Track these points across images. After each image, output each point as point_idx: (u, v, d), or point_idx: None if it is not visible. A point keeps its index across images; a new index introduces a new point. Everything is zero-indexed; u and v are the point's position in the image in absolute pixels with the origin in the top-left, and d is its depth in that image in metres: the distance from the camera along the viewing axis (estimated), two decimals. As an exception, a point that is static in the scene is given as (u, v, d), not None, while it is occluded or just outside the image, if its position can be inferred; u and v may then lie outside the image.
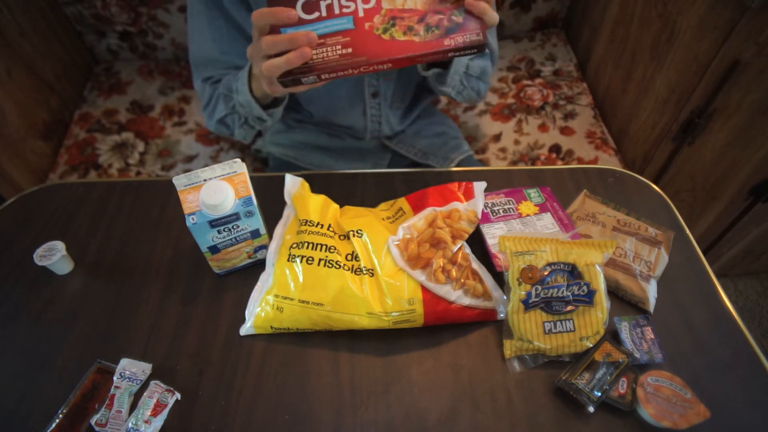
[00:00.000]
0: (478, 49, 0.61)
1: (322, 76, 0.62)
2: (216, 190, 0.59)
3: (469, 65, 0.79)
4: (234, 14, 0.77)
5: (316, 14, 0.61)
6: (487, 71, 0.85)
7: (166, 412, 0.57)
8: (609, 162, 1.22)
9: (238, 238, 0.64)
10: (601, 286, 0.62)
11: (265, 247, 0.68)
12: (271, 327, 0.63)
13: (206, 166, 0.69)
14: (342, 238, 0.66)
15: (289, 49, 0.59)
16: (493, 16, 0.63)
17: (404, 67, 0.63)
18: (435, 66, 0.76)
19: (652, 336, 0.62)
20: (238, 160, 0.63)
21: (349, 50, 0.61)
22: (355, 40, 0.61)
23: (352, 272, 0.63)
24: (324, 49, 0.61)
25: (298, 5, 0.61)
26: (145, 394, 0.58)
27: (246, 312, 0.65)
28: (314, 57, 0.60)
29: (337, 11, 0.62)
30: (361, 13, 0.62)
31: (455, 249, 0.65)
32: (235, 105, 0.78)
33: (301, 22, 0.61)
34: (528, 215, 0.72)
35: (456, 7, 0.61)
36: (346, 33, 0.61)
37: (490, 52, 0.88)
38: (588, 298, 0.61)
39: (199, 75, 0.85)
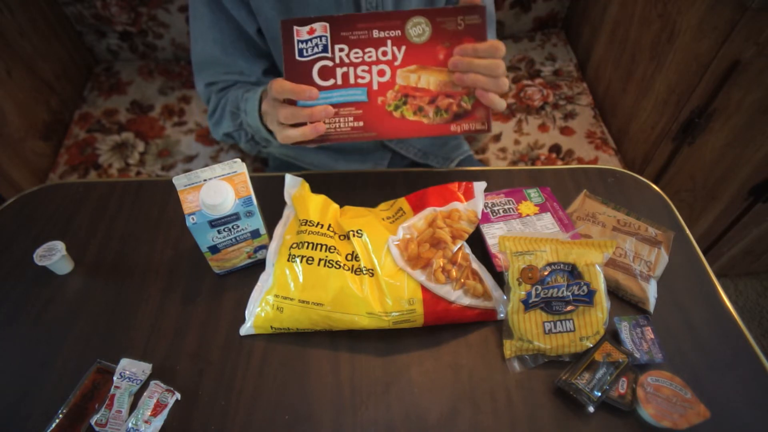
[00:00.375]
0: (481, 134, 0.63)
1: (330, 141, 0.65)
2: (216, 190, 0.59)
3: None
4: (234, 14, 0.77)
5: (332, 81, 0.63)
6: None
7: (166, 412, 0.57)
8: (609, 162, 1.22)
9: (238, 238, 0.64)
10: (601, 286, 0.62)
11: (265, 247, 0.68)
12: (271, 327, 0.63)
13: (206, 166, 0.69)
14: (342, 238, 0.66)
15: (303, 121, 0.62)
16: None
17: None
18: None
19: (652, 336, 0.62)
20: (238, 160, 0.63)
21: (361, 124, 0.63)
22: (367, 113, 0.63)
23: (352, 272, 0.63)
24: (337, 120, 0.63)
25: (315, 70, 0.63)
26: (145, 394, 0.58)
27: (246, 312, 0.65)
28: (327, 127, 0.62)
29: (352, 81, 0.64)
30: (375, 86, 0.63)
31: (455, 249, 0.65)
32: (242, 123, 0.79)
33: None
34: (528, 215, 0.72)
35: (467, 94, 0.63)
36: (359, 105, 0.63)
37: None
38: (588, 298, 0.61)
39: (201, 78, 0.85)
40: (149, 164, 1.25)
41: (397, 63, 0.64)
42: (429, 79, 0.63)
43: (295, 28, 0.63)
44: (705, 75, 0.99)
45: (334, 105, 0.63)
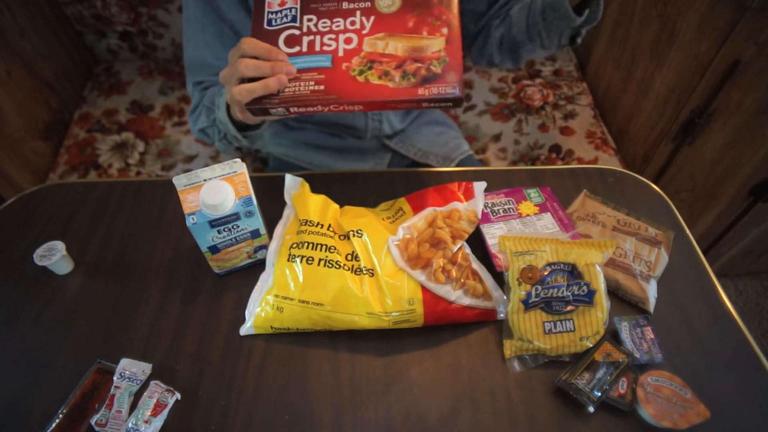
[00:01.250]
0: (453, 103, 0.60)
1: (291, 109, 0.61)
2: (216, 190, 0.59)
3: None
4: (232, 17, 0.77)
5: (297, 48, 0.63)
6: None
7: (166, 412, 0.57)
8: (609, 162, 1.22)
9: (238, 238, 0.64)
10: (601, 286, 0.62)
11: (265, 247, 0.68)
12: (271, 327, 0.63)
13: (206, 166, 0.69)
14: (342, 238, 0.66)
15: (266, 75, 0.59)
16: None
17: (376, 110, 0.62)
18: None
19: (652, 336, 0.62)
20: (238, 160, 0.63)
21: (322, 87, 0.61)
22: (330, 78, 0.61)
23: (352, 272, 0.63)
24: (297, 84, 0.61)
25: (281, 38, 0.63)
26: (145, 394, 0.58)
27: (246, 312, 0.65)
28: (286, 89, 0.61)
29: (317, 48, 0.62)
30: (341, 53, 0.62)
31: (455, 249, 0.65)
32: (215, 119, 0.78)
33: None
34: (528, 215, 0.72)
35: (437, 58, 0.61)
36: (323, 71, 0.62)
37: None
38: (588, 298, 0.61)
39: (191, 78, 0.85)
40: (149, 164, 1.25)
41: (365, 31, 0.63)
42: (397, 45, 0.62)
43: (268, 0, 0.64)
44: (705, 75, 0.99)
45: (297, 70, 0.62)
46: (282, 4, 0.64)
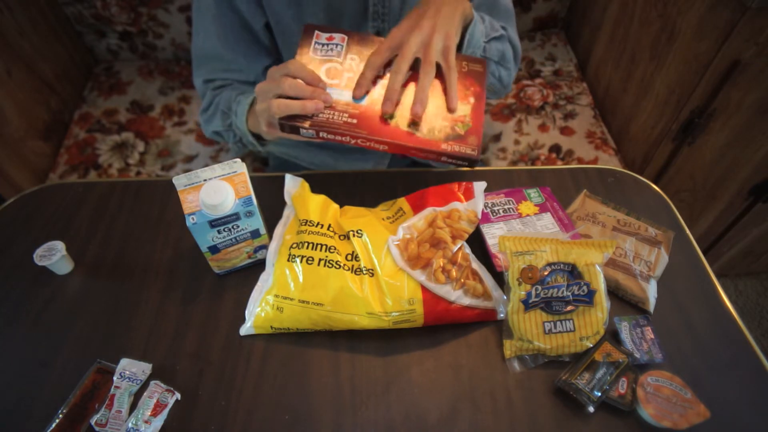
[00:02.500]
0: (469, 163, 0.66)
1: (320, 134, 0.65)
2: (216, 190, 0.59)
3: (486, 47, 0.78)
4: (242, 8, 0.77)
5: (336, 81, 0.67)
6: (506, 56, 0.83)
7: (166, 412, 0.57)
8: (609, 162, 1.22)
9: (238, 238, 0.64)
10: (601, 286, 0.62)
11: (265, 247, 0.68)
12: (271, 327, 0.63)
13: (206, 166, 0.69)
14: (342, 238, 0.66)
15: (305, 98, 0.63)
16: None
17: (397, 153, 0.67)
18: None
19: (652, 336, 0.62)
20: (238, 160, 0.63)
21: (354, 121, 0.65)
22: (363, 114, 0.65)
23: (352, 272, 0.63)
24: (333, 112, 0.65)
25: (324, 68, 0.67)
26: (145, 394, 0.58)
27: (246, 312, 0.65)
28: (321, 115, 0.64)
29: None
30: (376, 95, 0.67)
31: (455, 249, 0.65)
32: (232, 124, 0.80)
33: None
34: (528, 215, 0.72)
35: (462, 122, 0.67)
36: (358, 106, 0.66)
37: (512, 48, 0.86)
38: (588, 298, 0.61)
39: (200, 73, 0.85)
40: (149, 164, 1.25)
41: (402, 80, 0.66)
42: (432, 102, 0.67)
43: (317, 32, 0.68)
44: (705, 75, 0.99)
45: (334, 100, 0.66)
46: (330, 39, 0.68)
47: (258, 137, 0.79)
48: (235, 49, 0.81)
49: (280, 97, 0.63)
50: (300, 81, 0.63)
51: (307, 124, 0.64)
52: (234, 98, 0.78)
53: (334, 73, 0.67)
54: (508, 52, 0.84)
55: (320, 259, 0.63)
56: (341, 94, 0.66)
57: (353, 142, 0.65)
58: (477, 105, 0.69)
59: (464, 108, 0.68)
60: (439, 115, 0.67)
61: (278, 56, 0.87)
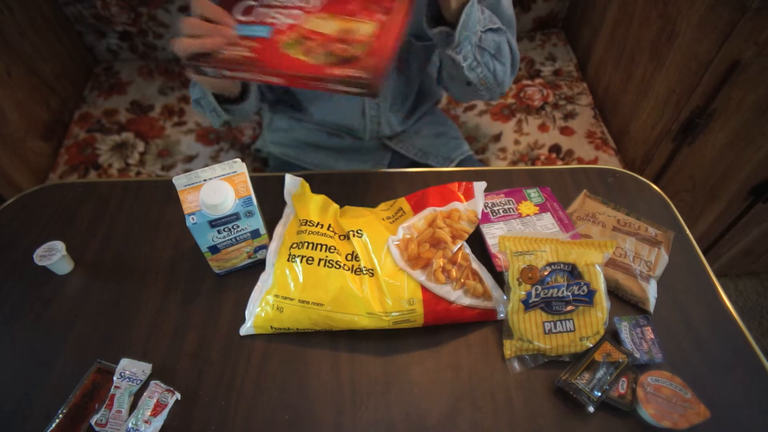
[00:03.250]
0: (366, 91, 0.58)
1: (223, 72, 0.61)
2: (216, 190, 0.59)
3: (482, 37, 0.76)
4: None
5: (247, 18, 0.63)
6: (503, 50, 0.81)
7: (166, 412, 0.57)
8: (609, 162, 1.22)
9: (238, 238, 0.64)
10: (601, 286, 0.62)
11: (265, 247, 0.68)
12: (271, 327, 0.63)
13: (206, 166, 0.69)
14: (342, 238, 0.66)
15: (204, 35, 0.60)
16: None
17: (299, 87, 0.62)
18: (442, 24, 0.72)
19: (652, 336, 0.62)
20: (238, 160, 0.63)
21: (253, 55, 0.61)
22: (263, 48, 0.61)
23: (352, 272, 0.63)
24: (234, 48, 0.61)
25: (239, 6, 0.64)
26: (145, 394, 0.58)
27: (246, 312, 0.65)
28: (224, 52, 0.61)
29: (265, 20, 0.63)
30: (283, 27, 0.62)
31: (455, 249, 0.65)
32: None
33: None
34: (528, 215, 0.72)
35: (360, 42, 0.59)
36: (260, 40, 0.62)
37: (510, 51, 0.85)
38: (588, 298, 0.61)
39: None
40: (149, 164, 1.25)
41: (309, 8, 0.63)
42: (331, 25, 0.61)
43: None
44: (705, 75, 0.99)
45: (240, 36, 0.62)
46: None
47: (225, 101, 0.77)
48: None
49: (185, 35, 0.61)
50: (197, 19, 0.61)
51: (209, 61, 0.61)
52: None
53: (248, 9, 0.64)
54: (505, 47, 0.81)
55: (320, 259, 0.63)
56: (252, 29, 0.62)
57: (254, 78, 0.61)
58: (389, 23, 0.59)
59: (368, 26, 0.59)
60: (339, 38, 0.60)
61: None
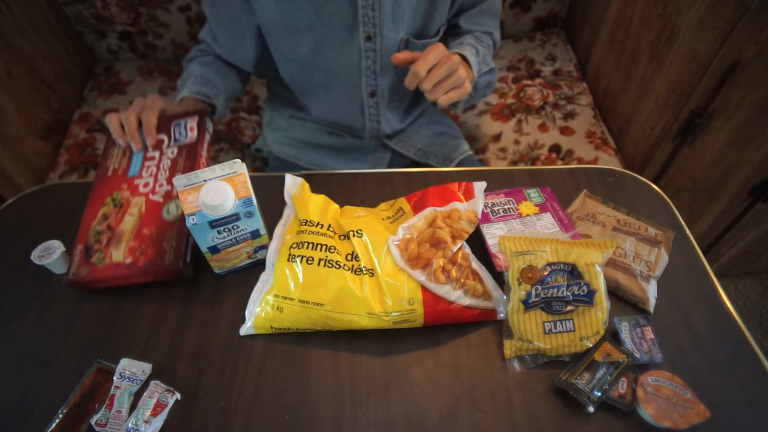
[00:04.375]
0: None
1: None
2: (216, 190, 0.59)
3: (477, 81, 0.83)
4: (233, 1, 0.81)
5: (153, 157, 0.74)
6: (492, 84, 0.91)
7: (166, 412, 0.57)
8: (609, 162, 1.22)
9: (238, 239, 0.64)
10: (601, 286, 0.62)
11: (265, 247, 0.68)
12: (271, 327, 0.63)
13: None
14: (342, 238, 0.66)
15: (124, 136, 0.75)
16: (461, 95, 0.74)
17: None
18: None
19: (652, 336, 0.62)
20: (238, 160, 0.63)
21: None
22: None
23: (352, 272, 0.63)
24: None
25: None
26: (145, 394, 0.58)
27: (246, 312, 0.65)
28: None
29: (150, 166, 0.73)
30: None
31: (455, 249, 0.65)
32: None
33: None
34: (528, 215, 0.72)
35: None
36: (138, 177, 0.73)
37: (494, 46, 0.93)
38: (588, 298, 0.61)
39: (204, 27, 0.91)
40: (149, 164, 1.25)
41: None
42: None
43: (182, 120, 0.77)
44: (705, 75, 0.99)
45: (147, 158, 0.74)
46: (190, 128, 0.77)
47: None
48: (223, 26, 0.86)
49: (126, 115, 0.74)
50: (130, 128, 0.73)
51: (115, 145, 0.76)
52: (187, 77, 0.88)
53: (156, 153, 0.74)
54: (494, 81, 0.94)
55: (320, 259, 0.63)
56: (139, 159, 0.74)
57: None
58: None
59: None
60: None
61: (266, 50, 0.87)
